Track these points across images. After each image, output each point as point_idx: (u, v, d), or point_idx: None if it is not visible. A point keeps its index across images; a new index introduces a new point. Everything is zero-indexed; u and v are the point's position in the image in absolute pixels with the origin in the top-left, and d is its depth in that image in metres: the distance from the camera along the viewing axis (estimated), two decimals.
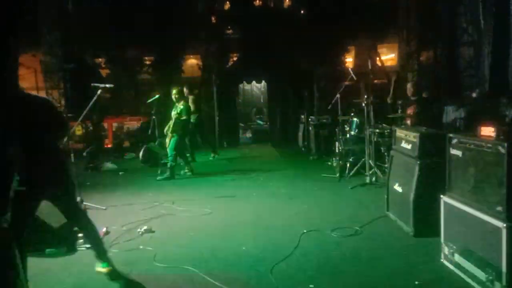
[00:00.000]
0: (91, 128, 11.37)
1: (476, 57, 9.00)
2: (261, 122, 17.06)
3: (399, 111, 7.41)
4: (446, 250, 3.52)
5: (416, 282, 3.25)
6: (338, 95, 7.85)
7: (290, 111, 12.55)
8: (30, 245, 3.29)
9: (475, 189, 3.18)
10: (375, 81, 11.49)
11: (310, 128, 10.02)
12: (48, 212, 3.69)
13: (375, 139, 6.84)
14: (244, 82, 15.22)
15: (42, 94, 11.24)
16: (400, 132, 4.87)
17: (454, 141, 3.44)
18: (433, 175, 4.07)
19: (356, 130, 7.53)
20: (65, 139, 4.99)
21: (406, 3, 10.82)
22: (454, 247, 3.39)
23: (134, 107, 12.78)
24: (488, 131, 3.05)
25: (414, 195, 4.20)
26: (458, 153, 3.37)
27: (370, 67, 7.41)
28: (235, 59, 13.21)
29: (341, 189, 6.52)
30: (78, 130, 10.99)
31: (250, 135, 14.40)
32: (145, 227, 4.67)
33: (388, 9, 11.44)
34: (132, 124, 12.35)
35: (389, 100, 8.60)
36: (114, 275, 3.27)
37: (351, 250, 3.98)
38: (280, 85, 12.77)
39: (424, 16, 10.59)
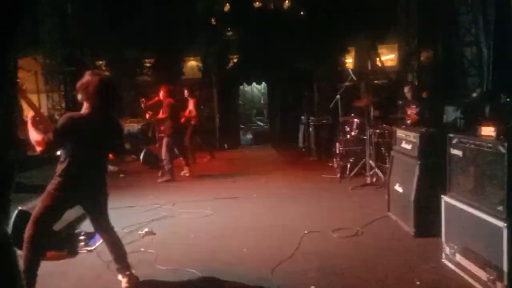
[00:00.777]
0: None
1: (478, 56, 9.00)
2: (261, 123, 17.06)
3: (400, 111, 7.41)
4: (447, 250, 3.52)
5: (418, 282, 3.25)
6: (338, 96, 7.85)
7: (290, 112, 12.56)
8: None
9: (476, 189, 3.18)
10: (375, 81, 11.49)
11: (311, 129, 10.01)
12: None
13: (375, 139, 6.84)
14: (244, 83, 15.21)
15: (43, 96, 11.28)
16: (400, 133, 4.88)
17: (455, 141, 3.44)
18: (434, 175, 4.08)
19: (357, 131, 7.53)
20: None
21: (406, 3, 10.80)
22: (455, 247, 3.39)
23: (134, 109, 12.76)
24: (488, 130, 3.06)
25: (414, 195, 4.20)
26: (459, 153, 3.38)
27: (370, 67, 7.41)
28: (235, 60, 13.20)
29: (342, 190, 6.52)
30: None
31: (251, 136, 14.40)
32: (146, 229, 4.68)
33: (388, 9, 11.43)
34: (133, 126, 12.34)
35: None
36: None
37: (352, 251, 3.98)
38: (280, 86, 12.78)
39: (424, 16, 10.58)
